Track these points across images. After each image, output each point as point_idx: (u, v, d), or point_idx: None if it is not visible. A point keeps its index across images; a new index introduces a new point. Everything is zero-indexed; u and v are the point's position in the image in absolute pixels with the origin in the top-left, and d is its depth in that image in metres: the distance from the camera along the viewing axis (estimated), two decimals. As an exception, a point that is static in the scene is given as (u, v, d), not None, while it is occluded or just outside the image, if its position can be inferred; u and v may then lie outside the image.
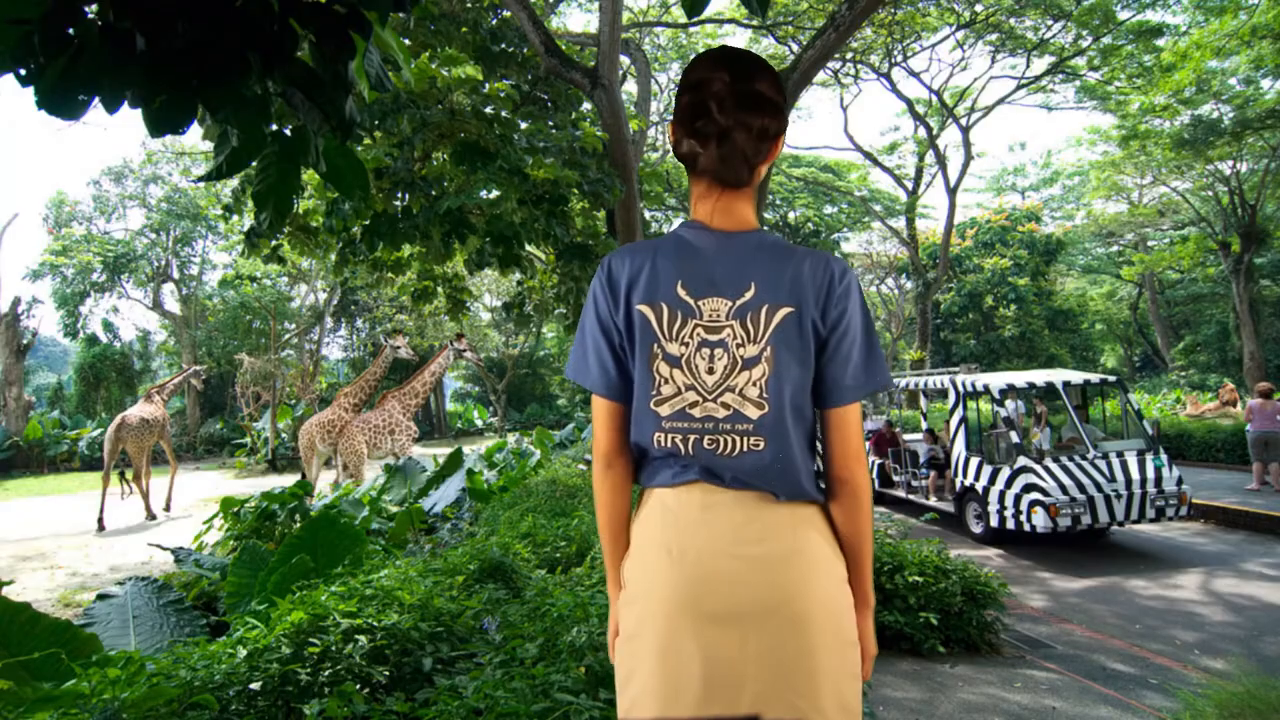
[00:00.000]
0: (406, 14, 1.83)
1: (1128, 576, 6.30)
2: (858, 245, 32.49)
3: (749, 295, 1.19)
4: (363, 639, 2.58)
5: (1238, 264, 18.22)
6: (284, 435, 20.11)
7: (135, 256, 26.11)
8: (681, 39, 17.25)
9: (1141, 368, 31.37)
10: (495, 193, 6.73)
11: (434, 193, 6.36)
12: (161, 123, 1.50)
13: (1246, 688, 2.66)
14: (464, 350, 11.92)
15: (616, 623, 1.27)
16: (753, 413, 1.17)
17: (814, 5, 13.51)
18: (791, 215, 26.95)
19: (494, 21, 7.54)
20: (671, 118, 1.26)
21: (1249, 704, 2.57)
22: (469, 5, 7.33)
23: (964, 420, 8.07)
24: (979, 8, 15.64)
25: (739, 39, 18.30)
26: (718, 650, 1.11)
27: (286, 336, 27.49)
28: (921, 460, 9.40)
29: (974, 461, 7.72)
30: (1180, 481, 6.95)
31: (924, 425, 9.82)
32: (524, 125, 7.12)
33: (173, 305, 28.09)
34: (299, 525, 5.39)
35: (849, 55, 16.82)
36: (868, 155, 22.49)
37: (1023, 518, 6.93)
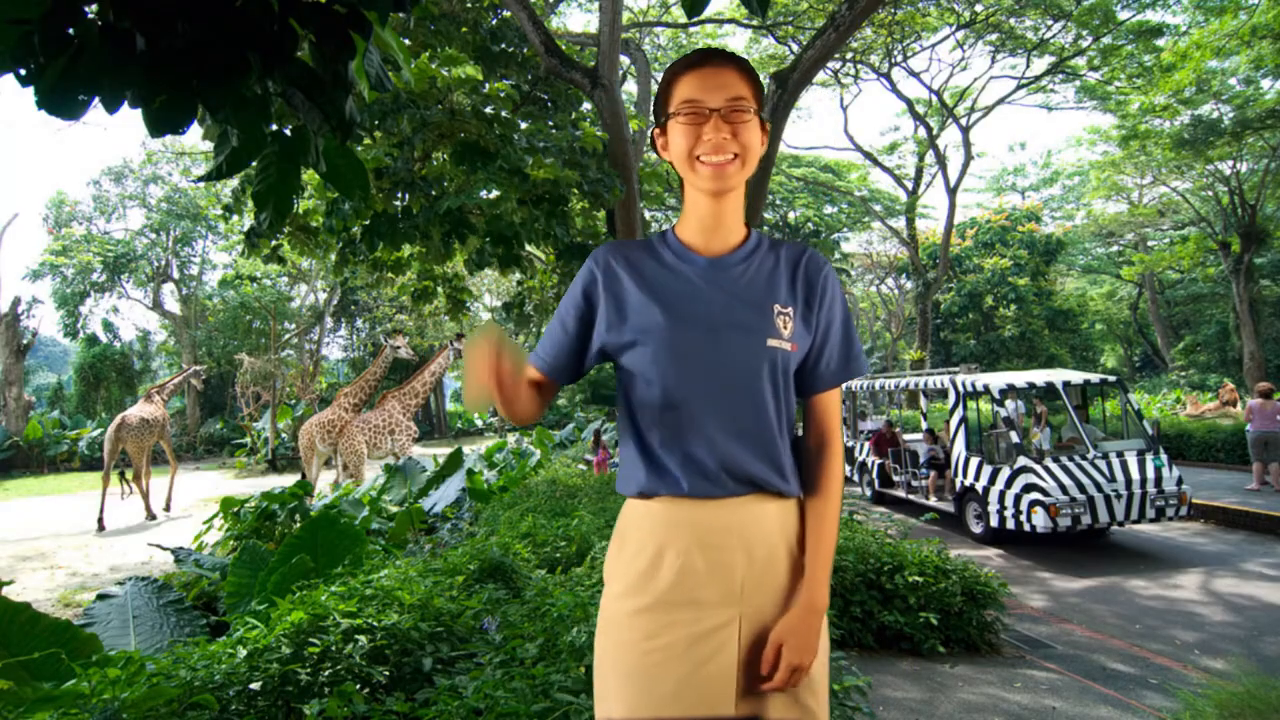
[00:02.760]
0: (406, 14, 1.83)
1: (1128, 576, 6.30)
2: (858, 245, 32.52)
3: None
4: (363, 639, 2.58)
5: (1238, 264, 18.22)
6: (284, 435, 20.11)
7: (135, 256, 26.12)
8: (681, 39, 17.25)
9: (1141, 368, 31.37)
10: (495, 193, 6.73)
11: (434, 193, 6.36)
12: (161, 123, 1.50)
13: (1246, 688, 2.65)
14: (464, 350, 11.91)
15: None
16: None
17: (814, 5, 13.52)
18: (791, 215, 26.96)
19: (494, 21, 7.54)
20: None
21: (1249, 704, 2.57)
22: (469, 5, 7.33)
23: (964, 420, 8.07)
24: (979, 8, 15.64)
25: (739, 39, 18.30)
26: None
27: (286, 336, 27.50)
28: (921, 460, 9.40)
29: (974, 461, 7.72)
30: (1180, 481, 6.94)
31: (924, 425, 9.81)
32: (524, 125, 7.12)
33: (173, 305, 28.12)
34: (299, 525, 5.39)
35: (849, 55, 16.83)
36: (868, 155, 22.50)
37: (1023, 518, 6.93)
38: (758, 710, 1.15)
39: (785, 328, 1.21)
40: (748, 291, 1.21)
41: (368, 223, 6.30)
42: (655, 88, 1.28)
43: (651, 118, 1.30)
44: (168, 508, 12.65)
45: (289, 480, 13.01)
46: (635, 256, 1.26)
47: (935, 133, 20.14)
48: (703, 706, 1.10)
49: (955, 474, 8.08)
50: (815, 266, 1.26)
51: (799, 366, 1.24)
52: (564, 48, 7.26)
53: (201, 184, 21.15)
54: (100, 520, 10.98)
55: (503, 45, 7.56)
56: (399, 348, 11.92)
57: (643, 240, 1.30)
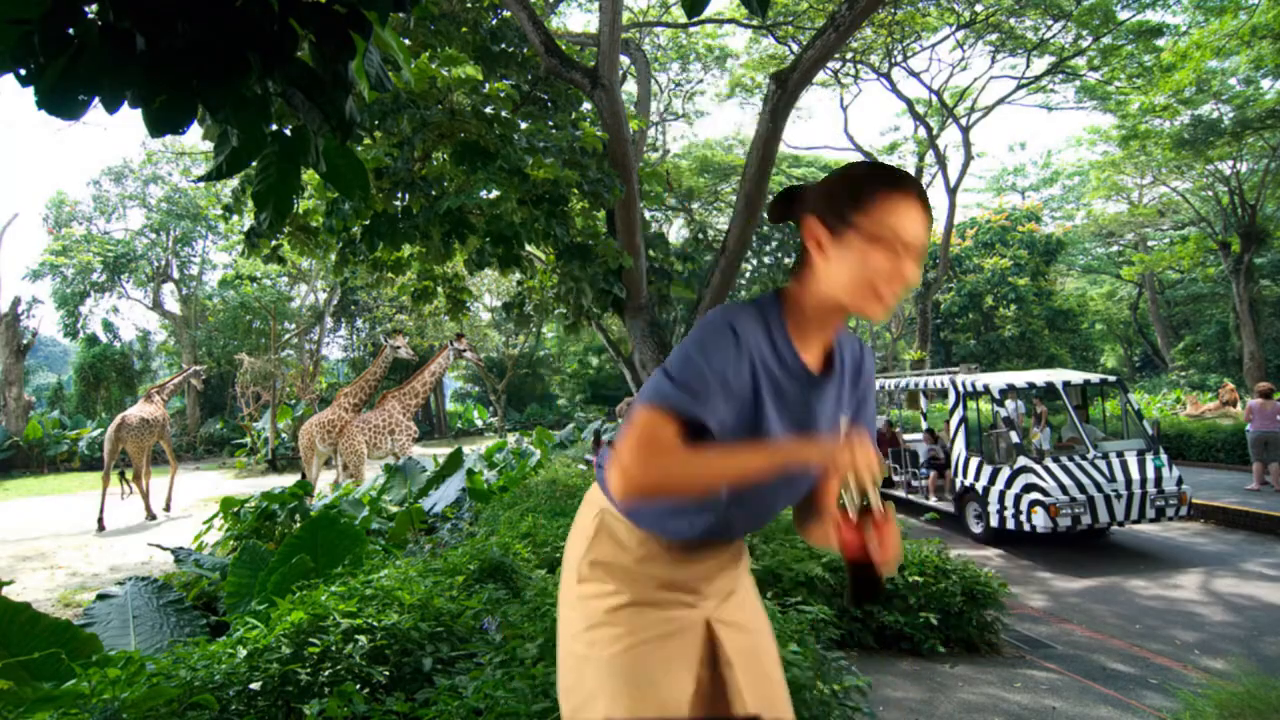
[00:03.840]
0: (406, 14, 1.83)
1: (1128, 576, 6.30)
2: (858, 245, 32.46)
3: None
4: (363, 639, 2.58)
5: (1238, 264, 18.22)
6: (284, 435, 20.11)
7: (135, 256, 26.13)
8: (681, 39, 17.25)
9: (1141, 368, 31.36)
10: (495, 193, 6.72)
11: (434, 193, 6.35)
12: (161, 123, 1.50)
13: (1246, 688, 2.65)
14: (464, 350, 11.92)
15: None
16: None
17: (814, 5, 13.51)
18: (791, 215, 26.91)
19: (494, 21, 7.54)
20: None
21: (1249, 704, 2.57)
22: (469, 5, 7.33)
23: (964, 420, 8.06)
24: (979, 8, 15.63)
25: (739, 39, 18.30)
26: None
27: (286, 336, 27.49)
28: (921, 460, 9.40)
29: (974, 461, 7.71)
30: (1180, 481, 6.94)
31: (924, 425, 9.81)
32: (524, 125, 7.11)
33: (173, 305, 28.12)
34: (299, 525, 5.39)
35: (849, 55, 16.82)
36: (868, 155, 22.49)
37: (1023, 518, 6.93)
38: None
39: None
40: (835, 412, 1.27)
41: (368, 223, 6.29)
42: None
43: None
44: (168, 508, 12.65)
45: (289, 480, 13.01)
46: (765, 349, 1.16)
47: (935, 133, 20.12)
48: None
49: (955, 474, 8.08)
50: (871, 364, 1.35)
51: None
52: (564, 48, 7.26)
53: (201, 184, 21.15)
54: (100, 520, 10.97)
55: (503, 45, 7.56)
56: (399, 348, 11.92)
57: (763, 319, 1.17)
